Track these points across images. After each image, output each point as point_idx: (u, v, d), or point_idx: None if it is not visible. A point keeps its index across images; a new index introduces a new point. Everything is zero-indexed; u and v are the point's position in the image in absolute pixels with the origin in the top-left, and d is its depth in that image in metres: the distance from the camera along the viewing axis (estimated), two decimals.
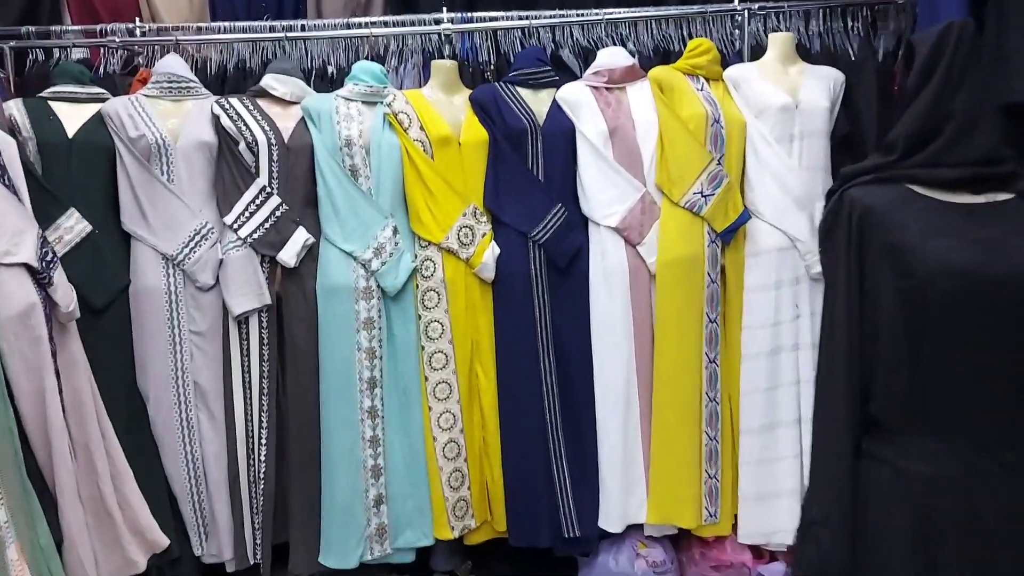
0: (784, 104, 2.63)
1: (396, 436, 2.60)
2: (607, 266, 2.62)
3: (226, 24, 2.91)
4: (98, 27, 2.81)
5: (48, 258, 2.18)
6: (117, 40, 2.75)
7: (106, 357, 2.45)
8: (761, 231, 2.64)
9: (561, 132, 2.64)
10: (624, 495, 2.64)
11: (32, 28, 2.78)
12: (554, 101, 2.69)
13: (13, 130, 2.43)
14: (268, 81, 2.66)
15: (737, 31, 2.96)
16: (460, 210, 2.60)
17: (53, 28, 2.79)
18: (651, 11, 2.97)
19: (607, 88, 2.70)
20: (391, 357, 2.59)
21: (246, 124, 2.56)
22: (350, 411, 2.54)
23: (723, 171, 2.61)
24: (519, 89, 2.71)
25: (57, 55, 2.83)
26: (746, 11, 2.90)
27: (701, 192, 2.60)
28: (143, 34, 2.83)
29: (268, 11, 3.06)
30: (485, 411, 2.66)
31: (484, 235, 2.62)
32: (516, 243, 2.62)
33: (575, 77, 2.83)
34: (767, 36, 2.79)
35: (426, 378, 2.61)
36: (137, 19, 2.90)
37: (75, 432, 2.27)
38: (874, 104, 2.76)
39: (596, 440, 2.65)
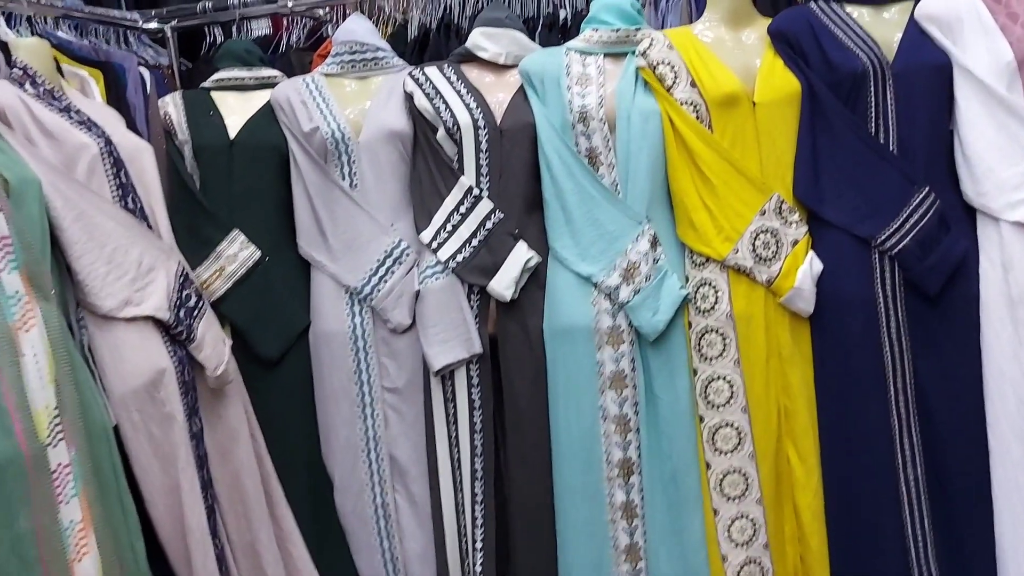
0: None
1: (664, 547, 1.93)
2: (1015, 290, 1.72)
3: None
4: None
5: (190, 303, 1.77)
6: (290, 4, 2.29)
7: (281, 424, 2.06)
8: None
9: (926, 70, 1.79)
10: None
11: (209, 4, 2.42)
12: (911, 20, 1.83)
13: (170, 132, 2.05)
14: (475, 39, 2.06)
15: None
16: (757, 206, 1.86)
17: (232, 1, 2.40)
18: None
19: None
20: (652, 430, 1.92)
21: (445, 102, 1.98)
22: (595, 507, 1.93)
23: None
24: (851, 8, 1.89)
25: (236, 34, 2.45)
26: None
27: None
28: None
29: None
30: (803, 518, 1.89)
31: (796, 243, 1.86)
32: (851, 254, 1.84)
33: None
34: None
35: (708, 465, 1.90)
36: None
37: (236, 532, 1.89)
38: None
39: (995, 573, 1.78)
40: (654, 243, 1.88)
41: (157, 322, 1.69)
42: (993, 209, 1.72)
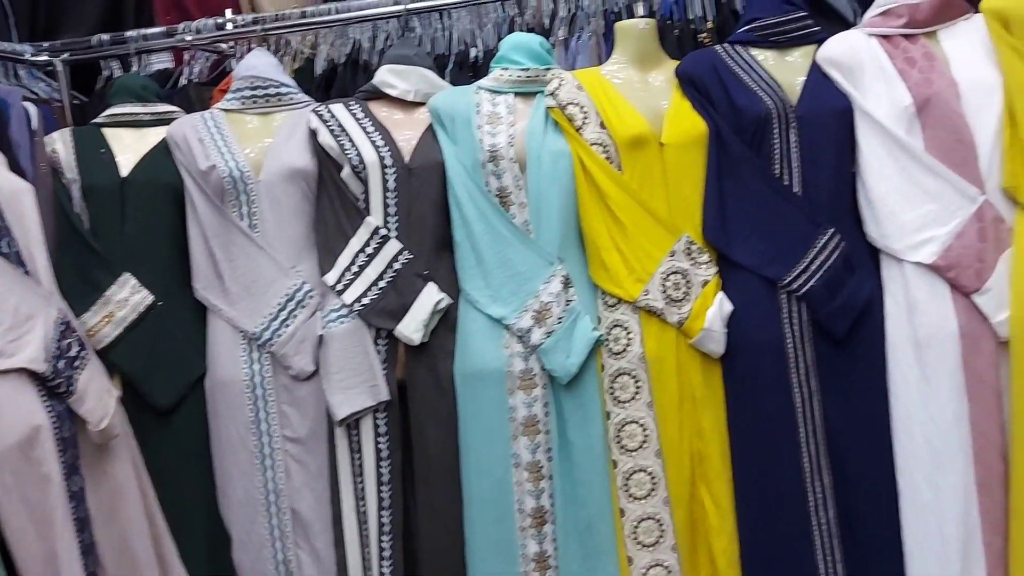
0: None
1: None
2: (919, 331, 1.74)
3: (339, 4, 2.29)
4: (181, 26, 2.29)
5: (71, 353, 1.66)
6: (189, 37, 2.21)
7: (175, 478, 1.94)
8: None
9: (829, 113, 1.82)
10: None
11: (105, 36, 2.32)
12: (814, 65, 1.86)
13: (57, 170, 1.94)
14: (383, 76, 2.02)
15: None
16: (666, 247, 1.84)
17: (130, 34, 2.31)
18: None
19: (906, 36, 1.80)
20: (566, 477, 1.86)
21: (351, 139, 1.92)
22: (508, 560, 1.85)
23: None
24: (755, 52, 1.91)
25: (135, 68, 2.35)
26: None
27: None
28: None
29: None
30: (718, 564, 1.84)
31: (706, 284, 1.84)
32: (759, 296, 1.83)
33: (847, 25, 1.96)
34: None
35: (622, 512, 1.84)
36: (229, 11, 2.35)
37: None
38: None
39: None
40: (566, 284, 1.84)
41: (33, 375, 1.57)
42: (896, 250, 1.74)
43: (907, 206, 1.72)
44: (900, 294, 1.74)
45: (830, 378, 1.78)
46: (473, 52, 2.29)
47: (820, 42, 1.86)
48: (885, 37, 1.79)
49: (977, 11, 1.78)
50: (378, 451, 1.90)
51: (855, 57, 1.78)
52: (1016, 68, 1.66)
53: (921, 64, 1.73)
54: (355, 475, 1.91)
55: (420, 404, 1.90)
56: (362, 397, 1.87)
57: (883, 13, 1.81)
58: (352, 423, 1.90)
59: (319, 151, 1.95)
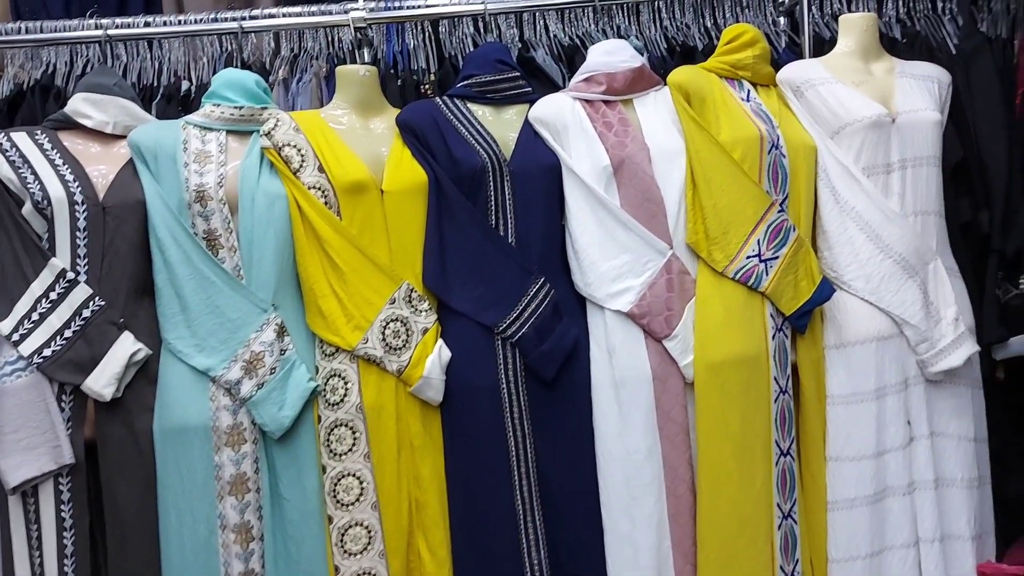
0: (875, 117, 1.94)
1: None
2: (618, 373, 1.85)
3: (32, 24, 2.08)
4: None
5: None
6: None
7: None
8: (850, 311, 1.93)
9: (539, 169, 1.90)
10: None
11: None
12: (526, 123, 1.95)
13: None
14: (76, 105, 1.86)
15: (784, 17, 2.23)
16: (387, 294, 1.84)
17: None
18: None
19: (606, 101, 1.95)
20: (279, 535, 1.80)
21: (34, 172, 1.75)
22: None
23: (789, 222, 1.90)
24: (473, 106, 1.97)
25: None
26: None
27: (758, 255, 1.87)
28: None
29: (101, 6, 2.22)
30: None
31: (426, 331, 1.85)
32: (477, 342, 1.86)
33: (556, 88, 2.10)
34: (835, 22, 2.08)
35: (337, 568, 1.79)
36: None
37: None
38: (997, 115, 2.05)
39: None
40: (281, 332, 1.78)
41: None
42: (597, 298, 1.85)
43: (605, 257, 1.83)
44: (602, 338, 1.85)
45: (542, 420, 1.85)
46: (184, 85, 2.17)
47: (532, 102, 1.95)
48: (588, 101, 1.92)
49: (666, 84, 1.98)
50: (60, 520, 1.71)
51: (561, 119, 1.89)
52: (695, 137, 1.86)
53: (617, 128, 1.88)
54: (32, 549, 1.71)
55: (112, 465, 1.75)
56: (42, 460, 1.68)
57: (586, 79, 1.94)
58: (29, 490, 1.70)
59: None
